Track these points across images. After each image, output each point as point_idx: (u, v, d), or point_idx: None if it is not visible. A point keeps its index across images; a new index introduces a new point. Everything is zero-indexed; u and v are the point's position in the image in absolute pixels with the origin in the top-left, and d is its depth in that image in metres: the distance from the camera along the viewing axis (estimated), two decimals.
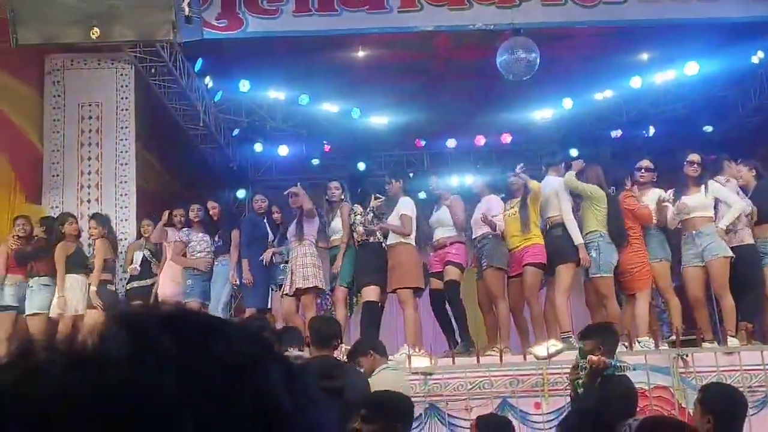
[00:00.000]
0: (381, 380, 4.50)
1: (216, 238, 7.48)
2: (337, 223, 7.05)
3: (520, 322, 6.93)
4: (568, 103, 10.96)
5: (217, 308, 6.97)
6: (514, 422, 5.43)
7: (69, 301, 6.99)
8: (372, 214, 6.94)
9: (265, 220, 7.52)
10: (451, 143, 11.88)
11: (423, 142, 12.07)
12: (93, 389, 0.42)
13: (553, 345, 6.40)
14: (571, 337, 6.46)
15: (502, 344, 6.64)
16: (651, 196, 6.97)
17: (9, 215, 8.11)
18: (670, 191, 6.93)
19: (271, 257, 7.22)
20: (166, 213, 7.56)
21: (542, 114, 11.29)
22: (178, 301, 6.51)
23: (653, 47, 10.07)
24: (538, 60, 7.88)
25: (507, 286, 6.96)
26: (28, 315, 7.01)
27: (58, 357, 0.44)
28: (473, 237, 7.02)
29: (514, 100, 10.35)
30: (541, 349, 6.37)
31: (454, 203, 7.05)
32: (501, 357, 6.38)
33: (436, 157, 11.85)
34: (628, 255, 6.74)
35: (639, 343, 6.49)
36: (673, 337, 6.53)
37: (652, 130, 11.34)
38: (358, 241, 7.00)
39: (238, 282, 7.24)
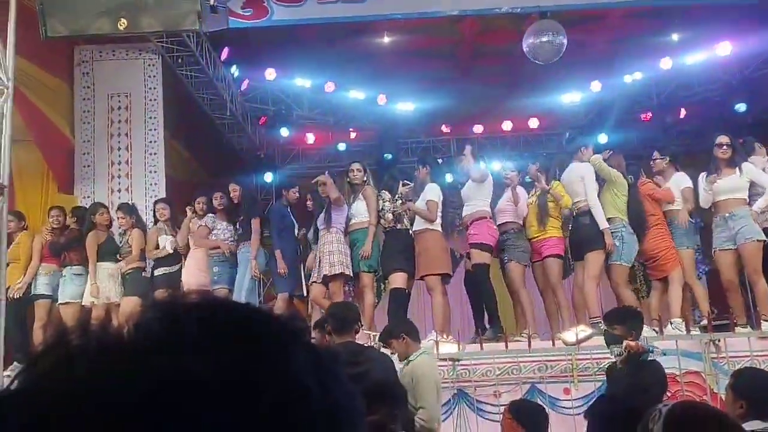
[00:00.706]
0: (422, 364, 4.59)
1: (236, 226, 7.49)
2: (359, 206, 7.03)
3: (549, 306, 6.92)
4: (596, 86, 10.80)
5: (240, 296, 7.01)
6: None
7: (101, 289, 7.12)
8: (401, 201, 6.94)
9: (288, 209, 7.54)
10: (477, 129, 11.80)
11: (449, 128, 12.01)
12: (125, 375, 0.43)
13: (583, 330, 6.37)
14: (600, 322, 6.41)
15: (531, 330, 6.62)
16: (673, 180, 6.93)
17: (42, 205, 8.27)
18: (702, 174, 6.83)
19: (300, 246, 7.28)
20: (189, 214, 7.55)
21: (570, 98, 11.14)
22: (206, 290, 6.59)
23: (684, 27, 9.87)
24: (566, 43, 7.78)
25: (533, 271, 7.02)
26: (60, 304, 7.16)
27: (91, 344, 0.46)
28: (498, 224, 7.00)
29: (542, 84, 10.24)
30: (570, 335, 6.35)
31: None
32: (529, 343, 6.36)
33: (463, 143, 11.75)
34: (652, 241, 6.72)
35: (672, 324, 6.44)
36: (705, 322, 6.46)
37: (683, 113, 11.14)
38: (386, 228, 7.00)
39: (258, 273, 7.21)
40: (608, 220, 6.66)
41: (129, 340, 0.46)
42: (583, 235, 6.73)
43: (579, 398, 5.88)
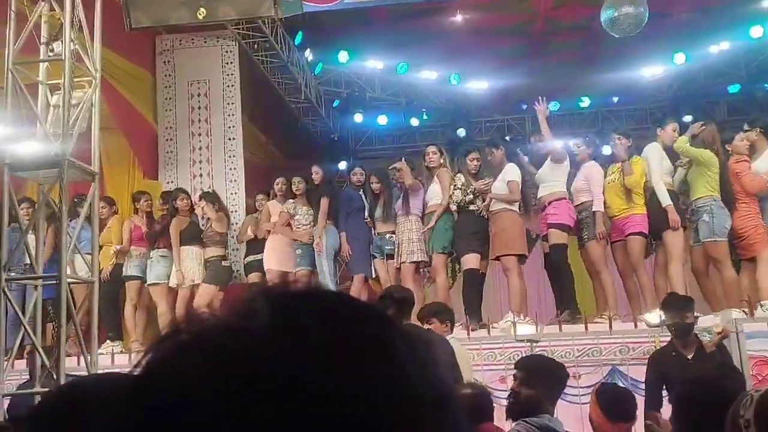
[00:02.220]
0: (458, 349, 4.68)
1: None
2: (435, 189, 7.02)
3: (629, 288, 6.73)
4: (680, 58, 10.36)
5: (325, 279, 7.10)
6: None
7: (186, 272, 7.40)
8: (473, 196, 6.84)
9: (361, 192, 7.60)
10: (553, 106, 11.52)
11: (524, 106, 11.79)
12: (238, 363, 0.45)
13: None
14: None
15: (612, 312, 6.47)
16: (767, 155, 6.56)
17: (129, 191, 8.63)
18: None
19: (370, 228, 7.32)
20: (260, 197, 7.80)
21: (651, 71, 10.73)
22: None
23: None
24: (647, 14, 7.48)
25: (612, 252, 6.78)
26: (149, 284, 7.48)
27: (205, 332, 0.48)
28: (575, 204, 6.82)
29: (621, 58, 9.91)
30: (653, 317, 6.17)
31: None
32: (610, 324, 6.23)
33: (538, 121, 11.56)
34: (740, 219, 6.41)
35: (762, 307, 6.16)
36: None
37: None
38: (457, 208, 6.95)
39: (321, 251, 7.24)
40: (696, 199, 6.42)
41: (246, 326, 0.48)
42: (658, 214, 6.51)
43: None
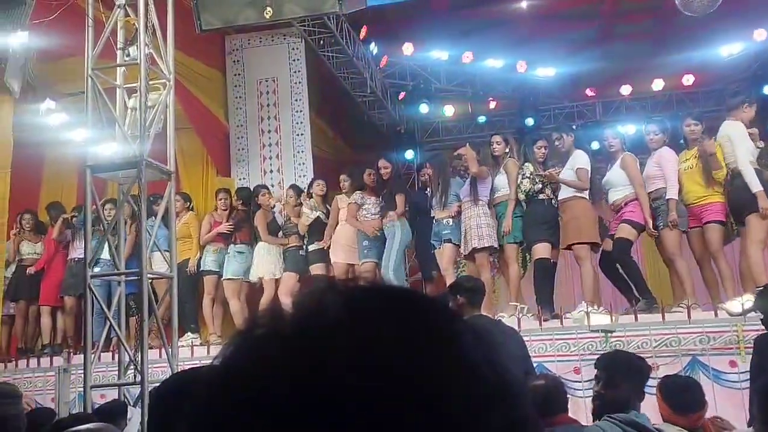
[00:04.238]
0: None
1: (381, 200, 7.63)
2: (501, 179, 6.94)
3: (707, 276, 6.49)
4: (760, 34, 9.88)
5: (388, 273, 7.15)
6: (707, 381, 5.15)
7: (268, 265, 7.60)
8: (541, 185, 6.73)
9: (428, 192, 7.62)
10: (625, 90, 11.21)
11: (594, 91, 11.50)
12: (317, 356, 0.47)
13: (749, 300, 5.93)
14: None
15: (690, 300, 6.26)
16: None
17: (204, 188, 8.90)
18: None
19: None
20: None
21: (729, 49, 10.27)
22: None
23: None
24: None
25: (689, 239, 6.53)
26: (224, 279, 7.71)
27: (286, 326, 0.50)
28: (648, 191, 6.60)
29: (696, 36, 9.52)
30: (734, 305, 5.95)
31: (627, 160, 6.65)
32: (689, 313, 6.03)
33: (609, 107, 11.28)
34: None
35: None
36: None
37: None
38: (525, 197, 6.85)
39: (390, 221, 7.31)
40: None
41: (313, 323, 0.50)
42: (741, 197, 6.21)
43: (746, 371, 5.51)
